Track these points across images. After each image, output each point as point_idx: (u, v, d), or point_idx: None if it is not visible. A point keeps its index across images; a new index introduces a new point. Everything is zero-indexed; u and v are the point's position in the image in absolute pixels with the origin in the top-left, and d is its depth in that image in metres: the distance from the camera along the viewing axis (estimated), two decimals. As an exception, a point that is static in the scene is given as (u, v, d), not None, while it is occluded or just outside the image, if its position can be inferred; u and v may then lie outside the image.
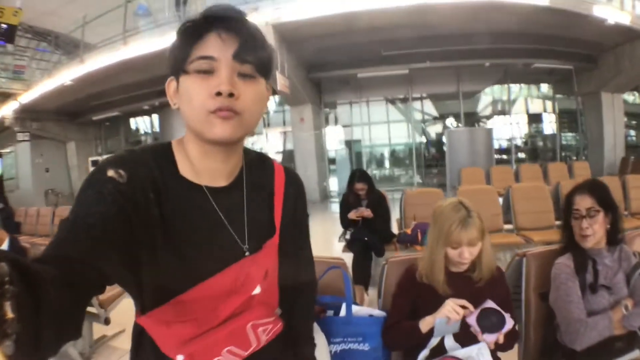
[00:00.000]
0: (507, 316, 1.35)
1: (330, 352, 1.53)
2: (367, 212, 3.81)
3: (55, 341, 0.53)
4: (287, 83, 8.68)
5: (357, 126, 14.03)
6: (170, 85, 0.82)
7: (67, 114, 14.34)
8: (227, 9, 0.79)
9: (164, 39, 8.42)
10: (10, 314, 0.43)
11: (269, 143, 14.33)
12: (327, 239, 4.05)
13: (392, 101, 14.01)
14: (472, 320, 1.36)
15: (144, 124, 16.16)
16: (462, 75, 12.50)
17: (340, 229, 4.17)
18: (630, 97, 14.36)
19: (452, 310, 1.38)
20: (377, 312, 1.72)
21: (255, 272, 0.86)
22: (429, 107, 14.29)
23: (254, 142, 14.21)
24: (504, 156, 13.62)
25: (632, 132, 15.08)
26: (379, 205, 3.92)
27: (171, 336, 0.79)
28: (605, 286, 1.59)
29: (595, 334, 1.49)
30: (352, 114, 13.98)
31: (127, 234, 0.69)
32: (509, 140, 13.72)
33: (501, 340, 1.35)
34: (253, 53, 0.78)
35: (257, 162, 0.95)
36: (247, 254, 0.86)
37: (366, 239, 3.76)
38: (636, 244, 1.96)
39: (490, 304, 1.39)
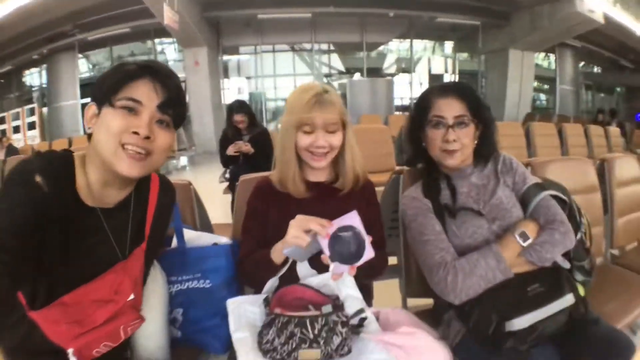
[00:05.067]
0: (368, 244, 0.96)
1: (171, 293, 1.24)
2: (246, 147, 3.41)
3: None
4: (177, 18, 7.81)
5: (260, 78, 13.47)
6: (90, 110, 0.90)
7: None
8: (163, 65, 0.95)
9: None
10: None
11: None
12: (216, 187, 3.61)
13: (297, 50, 13.58)
14: (324, 241, 0.96)
15: (34, 79, 15.30)
16: (367, 26, 12.40)
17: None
18: (545, 62, 15.30)
19: (296, 235, 0.97)
20: (224, 240, 1.35)
21: (128, 281, 0.96)
22: (335, 61, 14.15)
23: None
24: (406, 113, 13.89)
25: (543, 96, 16.14)
26: (261, 140, 3.52)
27: (61, 333, 0.87)
28: (475, 211, 1.20)
29: (476, 279, 1.07)
30: (255, 64, 13.39)
31: (40, 237, 0.80)
32: (410, 98, 14.07)
33: (351, 273, 0.98)
34: (174, 107, 0.92)
35: (143, 178, 0.98)
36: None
37: (245, 176, 3.32)
38: (549, 173, 1.64)
39: (354, 218, 0.97)
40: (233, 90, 13.08)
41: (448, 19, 11.63)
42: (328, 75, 14.19)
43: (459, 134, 1.20)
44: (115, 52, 13.50)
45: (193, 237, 1.33)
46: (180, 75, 11.64)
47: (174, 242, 1.29)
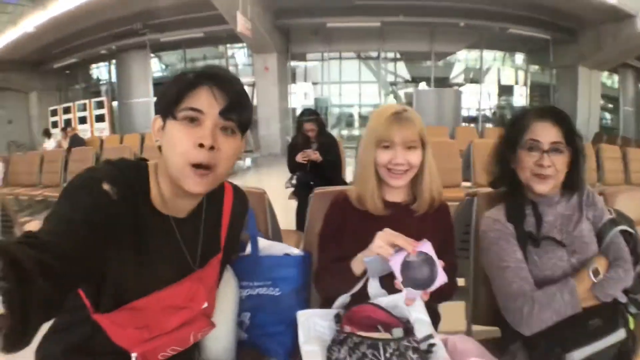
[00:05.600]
0: (440, 269, 0.97)
1: (241, 297, 1.29)
2: (314, 155, 3.47)
3: (39, 325, 0.59)
4: (249, 25, 8.09)
5: (326, 84, 13.65)
6: (156, 123, 0.90)
7: (31, 63, 13.97)
8: (222, 69, 0.90)
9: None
10: (1, 310, 0.48)
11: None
12: (279, 190, 3.67)
13: (363, 58, 13.61)
14: (395, 265, 0.97)
15: (102, 73, 16.08)
16: (436, 35, 12.18)
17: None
18: (608, 80, 14.48)
19: (381, 245, 0.99)
20: (296, 251, 1.40)
21: (203, 290, 0.98)
22: (402, 69, 14.01)
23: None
24: (472, 125, 13.49)
25: (608, 116, 15.24)
26: (329, 149, 3.56)
27: (126, 337, 0.87)
28: (558, 241, 1.18)
29: (550, 313, 1.07)
30: (322, 71, 13.56)
31: (105, 244, 0.77)
32: (478, 109, 13.63)
33: (424, 298, 0.99)
34: (237, 112, 0.87)
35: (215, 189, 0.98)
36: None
37: (312, 183, 3.38)
38: (618, 202, 1.56)
39: (426, 246, 0.97)
40: (299, 95, 13.35)
41: (519, 30, 11.24)
42: (394, 84, 14.09)
43: (553, 159, 1.16)
44: (189, 54, 14.20)
45: (265, 245, 1.38)
46: (250, 79, 12.14)
47: (248, 249, 1.34)
